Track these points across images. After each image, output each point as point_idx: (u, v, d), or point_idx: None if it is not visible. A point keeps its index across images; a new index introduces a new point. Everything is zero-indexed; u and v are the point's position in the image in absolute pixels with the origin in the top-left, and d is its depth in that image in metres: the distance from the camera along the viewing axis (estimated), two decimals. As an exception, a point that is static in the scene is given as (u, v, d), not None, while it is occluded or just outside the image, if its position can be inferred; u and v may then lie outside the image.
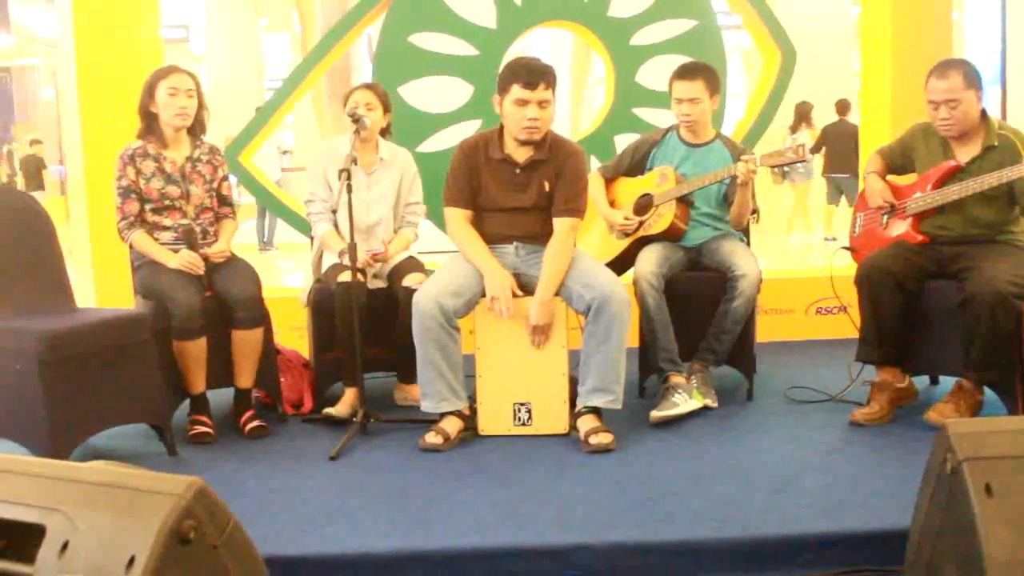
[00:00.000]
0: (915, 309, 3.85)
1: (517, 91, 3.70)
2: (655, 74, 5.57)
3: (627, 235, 4.38)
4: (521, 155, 3.83)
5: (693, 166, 4.32)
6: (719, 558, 2.77)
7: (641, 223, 4.33)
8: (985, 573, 1.87)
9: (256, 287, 3.95)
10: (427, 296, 3.66)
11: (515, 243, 3.91)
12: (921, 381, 4.18)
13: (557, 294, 3.75)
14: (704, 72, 4.27)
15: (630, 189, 4.44)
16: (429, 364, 3.68)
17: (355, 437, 3.75)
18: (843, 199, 10.85)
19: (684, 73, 4.28)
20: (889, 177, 4.12)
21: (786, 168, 9.58)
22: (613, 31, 5.66)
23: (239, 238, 4.24)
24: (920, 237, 3.90)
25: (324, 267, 4.22)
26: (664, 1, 5.64)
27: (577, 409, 3.74)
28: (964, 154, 3.83)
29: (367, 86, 4.36)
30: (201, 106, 4.03)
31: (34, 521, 1.79)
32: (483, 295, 3.77)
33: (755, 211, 4.31)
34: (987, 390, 3.75)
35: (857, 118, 9.76)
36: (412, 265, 4.16)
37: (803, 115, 11.58)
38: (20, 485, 1.87)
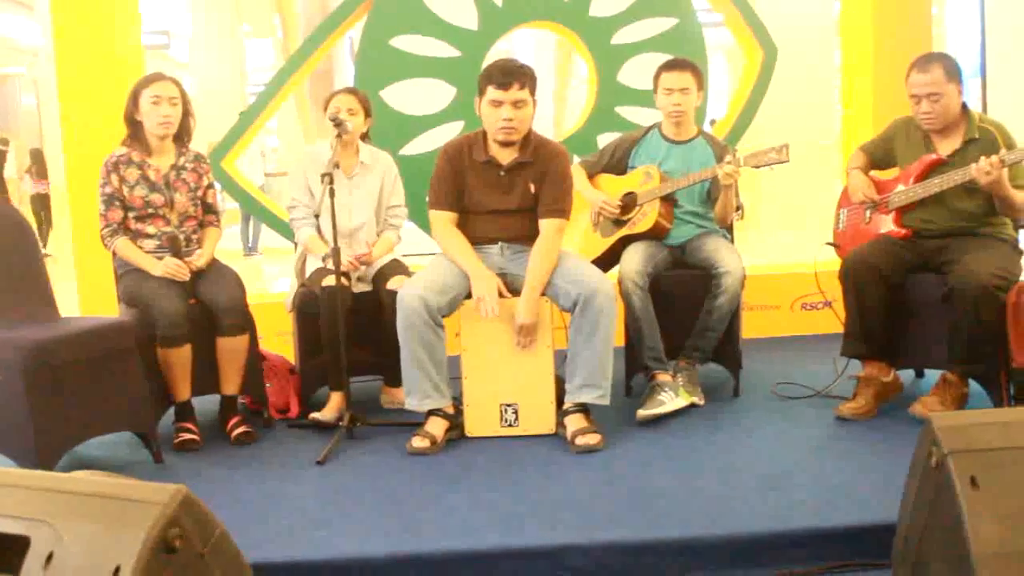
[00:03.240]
0: (899, 303, 3.86)
1: (491, 92, 3.71)
2: (637, 73, 5.57)
3: (611, 223, 4.38)
4: (505, 157, 3.83)
5: (676, 163, 4.33)
6: (709, 556, 2.77)
7: (623, 210, 4.33)
8: (972, 566, 1.87)
9: (241, 294, 3.94)
10: (412, 293, 3.66)
11: (500, 244, 3.91)
12: (906, 375, 4.21)
13: (543, 293, 3.75)
14: (691, 66, 4.31)
15: (614, 187, 4.44)
16: (413, 361, 3.68)
17: (342, 441, 3.74)
18: None
19: (673, 65, 4.32)
20: (872, 172, 4.14)
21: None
22: (594, 31, 5.66)
23: (223, 244, 4.23)
24: (903, 231, 3.91)
25: (308, 272, 4.21)
26: (645, 0, 5.64)
27: (565, 407, 3.74)
28: (945, 147, 3.85)
29: (348, 90, 4.35)
30: (187, 114, 4.02)
31: (18, 533, 1.78)
32: (468, 295, 3.77)
33: (739, 208, 4.32)
34: (972, 382, 3.77)
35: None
36: (396, 268, 4.16)
37: None
38: (3, 497, 1.85)
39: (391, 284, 4.00)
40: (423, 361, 3.68)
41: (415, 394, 3.73)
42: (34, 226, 12.43)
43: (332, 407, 4.05)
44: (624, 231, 4.36)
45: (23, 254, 3.77)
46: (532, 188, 3.83)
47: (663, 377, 4.04)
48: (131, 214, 3.93)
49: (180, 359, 3.81)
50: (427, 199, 3.92)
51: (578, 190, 4.33)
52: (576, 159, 4.61)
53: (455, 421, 3.78)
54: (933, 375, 4.05)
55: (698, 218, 4.35)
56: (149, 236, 3.94)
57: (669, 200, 4.30)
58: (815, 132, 11.58)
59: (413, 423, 3.77)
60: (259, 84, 17.94)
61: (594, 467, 3.42)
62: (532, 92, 3.76)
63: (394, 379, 4.04)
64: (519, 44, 15.60)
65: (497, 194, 3.85)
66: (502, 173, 3.83)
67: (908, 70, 3.83)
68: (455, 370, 3.81)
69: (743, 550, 2.78)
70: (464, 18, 5.52)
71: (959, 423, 2.08)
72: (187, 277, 3.87)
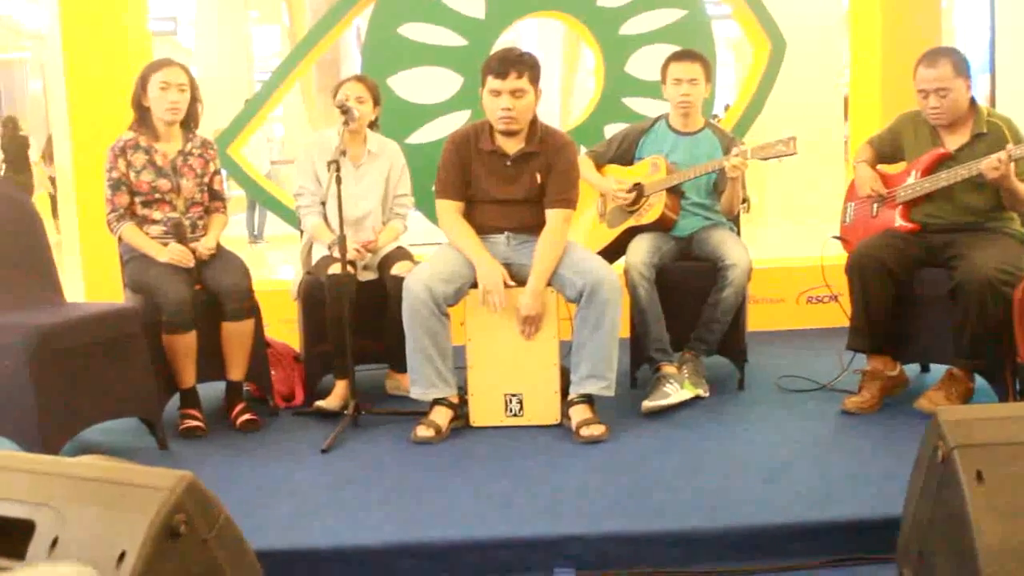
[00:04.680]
0: (905, 297, 3.85)
1: (490, 82, 3.72)
2: (645, 64, 5.56)
3: (617, 214, 4.38)
4: (511, 147, 3.82)
5: (683, 155, 4.32)
6: (711, 548, 2.77)
7: (635, 198, 4.33)
8: (976, 560, 1.87)
9: (246, 279, 3.94)
10: (417, 281, 3.66)
11: (506, 233, 3.90)
12: (912, 369, 4.20)
13: (549, 283, 3.75)
14: (700, 57, 4.31)
15: (621, 178, 4.43)
16: (418, 350, 3.68)
17: (346, 429, 3.75)
18: None
19: (682, 56, 4.31)
20: (879, 167, 4.13)
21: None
22: (602, 21, 5.64)
23: (229, 231, 4.23)
24: (910, 225, 3.90)
25: (314, 260, 4.22)
26: (653, -10, 5.63)
27: (570, 397, 3.74)
28: (953, 142, 3.83)
29: (357, 78, 4.35)
30: (194, 100, 4.02)
31: (23, 517, 1.78)
32: (474, 284, 3.77)
33: (745, 200, 4.31)
34: (978, 377, 3.76)
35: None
36: (401, 255, 4.16)
37: None
38: (9, 481, 1.86)
39: (395, 269, 4.00)
40: (428, 350, 3.68)
41: (420, 383, 3.73)
42: (48, 209, 12.76)
43: (337, 395, 4.05)
44: (630, 222, 4.35)
45: (29, 239, 3.77)
46: (538, 178, 3.83)
47: (668, 369, 4.03)
48: (137, 199, 3.93)
49: (185, 345, 3.81)
50: (434, 188, 3.92)
51: (587, 178, 4.33)
52: (583, 149, 4.60)
53: (460, 411, 3.79)
54: (939, 370, 4.04)
55: (705, 210, 4.34)
56: (155, 222, 3.94)
57: (676, 192, 4.30)
58: (823, 126, 11.56)
59: (418, 412, 3.78)
60: (266, 71, 17.92)
61: (598, 458, 3.42)
62: (533, 81, 3.75)
63: (399, 364, 4.02)
64: (526, 33, 15.56)
65: (503, 184, 3.85)
66: (508, 163, 3.83)
67: (916, 65, 3.81)
68: (460, 359, 3.81)
69: (746, 542, 2.78)
70: (471, 7, 5.51)
71: (965, 418, 2.08)
72: (191, 264, 3.87)
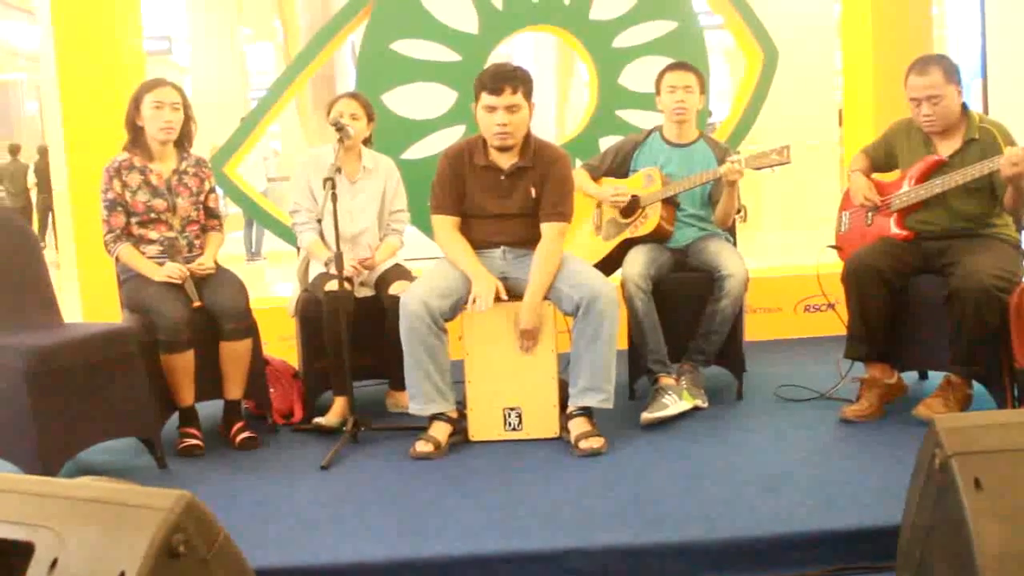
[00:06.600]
0: (902, 305, 3.86)
1: (484, 98, 3.73)
2: (638, 76, 5.58)
3: (613, 226, 4.38)
4: (505, 161, 3.83)
5: (677, 166, 4.33)
6: (712, 558, 2.77)
7: (625, 213, 4.34)
8: (976, 567, 1.87)
9: (243, 298, 3.94)
10: (414, 297, 3.66)
11: (502, 248, 3.91)
12: (910, 377, 4.20)
13: (546, 297, 3.75)
14: (694, 68, 4.35)
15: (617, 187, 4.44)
16: (416, 366, 3.68)
17: (345, 446, 3.74)
18: None
19: (677, 65, 4.36)
20: (874, 175, 4.14)
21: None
22: (595, 34, 5.66)
23: (227, 248, 4.23)
24: (905, 232, 3.91)
25: (311, 277, 4.22)
26: (645, 3, 5.65)
27: (569, 410, 3.74)
28: (946, 148, 3.84)
29: (351, 95, 4.35)
30: (188, 119, 4.02)
31: (23, 539, 1.78)
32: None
33: (740, 210, 4.32)
34: (976, 384, 3.76)
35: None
36: (399, 273, 4.16)
37: None
38: (8, 503, 1.86)
39: (393, 289, 4.00)
40: (426, 365, 3.68)
41: (418, 399, 3.73)
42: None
43: (336, 412, 4.05)
44: (626, 234, 4.36)
45: (26, 260, 3.77)
46: (533, 192, 3.83)
47: (666, 380, 4.03)
48: (133, 219, 3.94)
49: (183, 364, 3.81)
50: (429, 203, 3.93)
51: (583, 190, 4.34)
52: (578, 163, 4.62)
53: (459, 425, 3.78)
54: (937, 377, 4.04)
55: (700, 221, 4.35)
56: (151, 241, 3.94)
57: (671, 203, 4.31)
58: (817, 134, 11.59)
59: (417, 427, 3.77)
60: (261, 88, 17.96)
61: (597, 471, 3.41)
62: (526, 95, 3.76)
63: (399, 383, 4.03)
64: (520, 47, 15.61)
65: (498, 198, 3.85)
66: (503, 177, 3.84)
67: (906, 73, 3.81)
68: (458, 374, 3.81)
69: (746, 553, 2.78)
70: (464, 22, 5.53)
71: (963, 425, 2.08)
72: (186, 275, 3.86)
